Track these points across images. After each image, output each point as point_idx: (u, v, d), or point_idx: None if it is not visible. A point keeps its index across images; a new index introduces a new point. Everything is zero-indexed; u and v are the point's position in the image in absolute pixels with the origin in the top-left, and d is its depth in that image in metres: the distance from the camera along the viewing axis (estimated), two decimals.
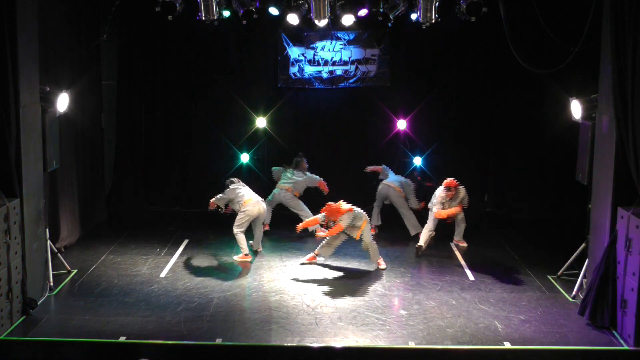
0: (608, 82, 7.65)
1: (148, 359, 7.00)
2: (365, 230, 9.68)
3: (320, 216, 9.80)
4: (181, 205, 12.91)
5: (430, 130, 12.57)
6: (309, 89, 12.79)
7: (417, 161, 12.53)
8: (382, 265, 9.78)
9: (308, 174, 11.51)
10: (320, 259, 10.07)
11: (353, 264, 9.90)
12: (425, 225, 10.50)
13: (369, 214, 11.43)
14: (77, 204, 10.74)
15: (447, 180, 10.40)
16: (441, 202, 10.35)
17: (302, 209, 11.31)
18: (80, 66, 10.70)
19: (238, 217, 10.13)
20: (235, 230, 10.07)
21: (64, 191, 10.22)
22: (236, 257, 10.11)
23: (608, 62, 7.65)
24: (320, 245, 9.91)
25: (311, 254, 9.99)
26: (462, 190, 10.47)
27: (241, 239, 10.06)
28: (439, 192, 10.43)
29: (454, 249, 10.64)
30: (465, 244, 10.79)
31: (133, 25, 12.33)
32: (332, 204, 9.57)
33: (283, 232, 11.33)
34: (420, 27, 10.48)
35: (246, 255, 10.07)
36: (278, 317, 8.02)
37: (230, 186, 10.26)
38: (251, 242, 10.44)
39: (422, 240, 10.38)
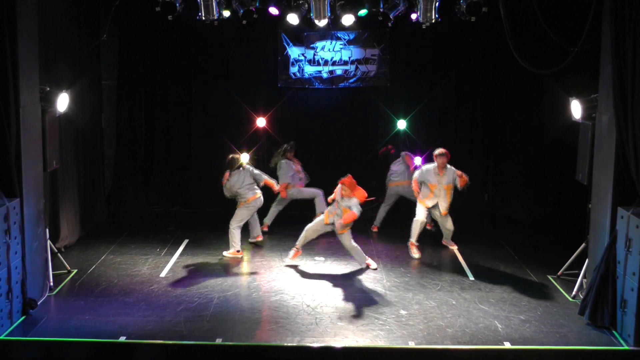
0: (608, 82, 7.65)
1: (148, 358, 7.01)
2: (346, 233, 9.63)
3: (330, 208, 9.67)
4: (181, 206, 12.91)
5: (430, 130, 12.57)
6: (309, 89, 12.79)
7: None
8: (373, 265, 9.73)
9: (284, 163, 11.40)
10: (319, 259, 10.08)
11: (353, 264, 9.88)
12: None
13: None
14: (77, 204, 10.74)
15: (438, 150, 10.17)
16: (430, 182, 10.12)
17: (310, 194, 11.42)
18: (80, 66, 10.70)
19: (241, 212, 10.13)
20: (234, 225, 10.09)
21: (64, 191, 10.22)
22: (227, 253, 10.11)
23: (608, 62, 7.65)
24: (300, 239, 9.84)
25: (293, 250, 9.89)
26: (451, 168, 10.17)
27: (237, 235, 10.09)
28: (427, 170, 10.22)
29: (454, 248, 10.63)
30: (455, 246, 10.67)
31: (133, 25, 12.34)
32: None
33: (283, 232, 11.33)
34: (420, 27, 10.49)
35: (238, 251, 10.10)
36: (278, 317, 8.02)
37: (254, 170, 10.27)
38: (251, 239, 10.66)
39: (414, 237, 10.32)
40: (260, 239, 10.76)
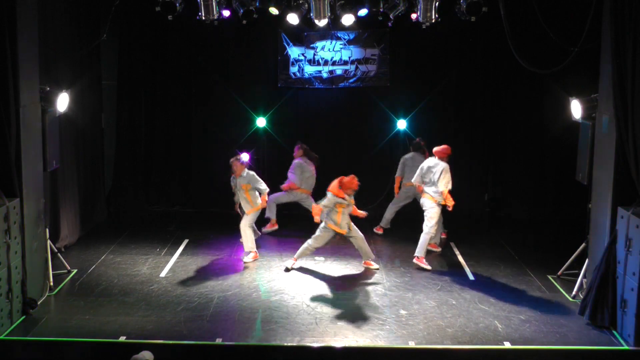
0: (608, 82, 7.66)
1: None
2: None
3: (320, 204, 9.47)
4: (181, 205, 12.91)
5: (430, 130, 12.54)
6: (309, 89, 12.79)
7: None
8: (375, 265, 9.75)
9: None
10: (319, 259, 10.08)
11: (353, 264, 9.89)
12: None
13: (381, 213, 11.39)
14: (77, 204, 10.74)
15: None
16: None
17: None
18: (80, 66, 10.70)
19: (254, 214, 10.07)
20: (248, 226, 10.01)
21: (64, 191, 10.22)
22: (248, 259, 9.98)
23: (608, 62, 7.66)
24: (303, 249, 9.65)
25: (292, 261, 9.70)
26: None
27: (252, 235, 10.05)
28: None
29: (454, 248, 10.63)
30: (439, 249, 10.52)
31: (133, 25, 12.35)
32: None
33: (283, 231, 11.34)
34: (420, 27, 10.49)
35: (256, 253, 10.08)
36: (278, 317, 8.02)
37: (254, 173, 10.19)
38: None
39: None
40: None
